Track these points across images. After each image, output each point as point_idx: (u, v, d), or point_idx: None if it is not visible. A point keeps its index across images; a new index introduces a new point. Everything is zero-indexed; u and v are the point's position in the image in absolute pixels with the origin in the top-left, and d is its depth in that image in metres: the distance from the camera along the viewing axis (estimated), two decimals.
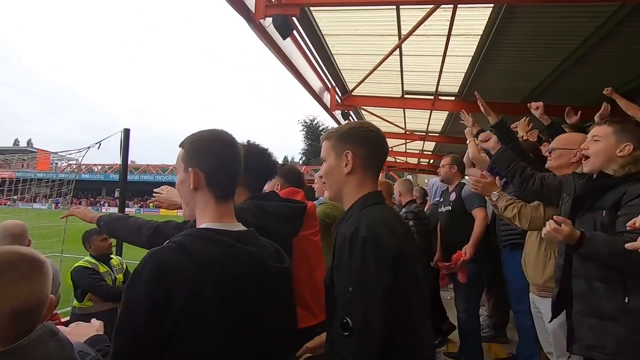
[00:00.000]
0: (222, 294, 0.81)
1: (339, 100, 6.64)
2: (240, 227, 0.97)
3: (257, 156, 1.51)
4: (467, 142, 3.21)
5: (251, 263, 0.89)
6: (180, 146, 1.00)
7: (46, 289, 0.78)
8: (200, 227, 0.93)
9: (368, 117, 8.23)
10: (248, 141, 1.56)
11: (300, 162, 53.32)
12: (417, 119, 7.97)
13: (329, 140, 1.16)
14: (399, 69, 5.30)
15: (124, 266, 3.06)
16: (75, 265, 2.81)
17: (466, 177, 3.04)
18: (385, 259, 0.93)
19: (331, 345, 1.00)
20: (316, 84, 5.75)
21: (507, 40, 3.95)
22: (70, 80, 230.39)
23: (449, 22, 3.66)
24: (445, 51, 4.28)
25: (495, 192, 2.13)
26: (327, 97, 6.39)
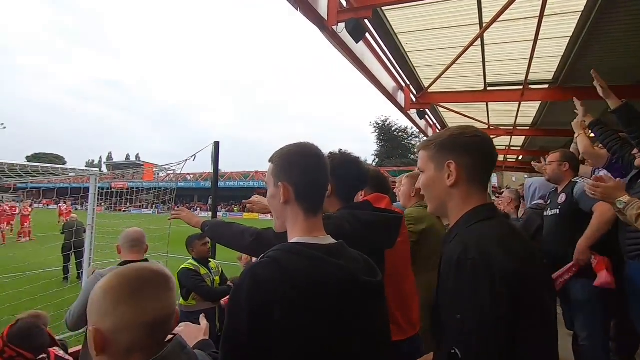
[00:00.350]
0: (313, 308, 0.80)
1: (414, 99, 6.40)
2: (330, 240, 0.96)
3: (350, 165, 1.46)
4: (576, 135, 2.79)
5: (342, 277, 0.86)
6: (269, 161, 1.02)
7: (174, 302, 0.86)
8: (291, 241, 0.94)
9: (446, 115, 7.79)
10: (340, 150, 1.51)
11: (374, 164, 52.76)
12: (502, 112, 7.28)
13: (427, 149, 1.05)
14: (481, 60, 4.91)
15: (220, 269, 3.32)
16: (182, 267, 3.09)
17: (579, 177, 2.62)
18: (500, 284, 0.80)
19: None
20: (389, 84, 5.63)
21: (616, 12, 3.39)
22: (168, 100, 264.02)
23: (540, 2, 3.27)
24: (536, 35, 3.83)
25: (621, 199, 1.68)
26: (401, 97, 6.21)
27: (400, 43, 4.66)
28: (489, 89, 5.88)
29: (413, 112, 6.75)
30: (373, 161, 53.60)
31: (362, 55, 4.49)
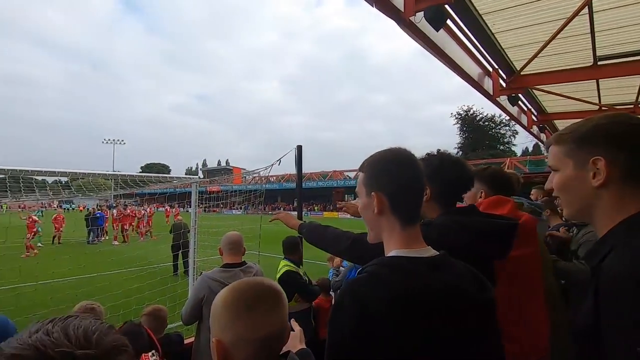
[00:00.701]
0: (417, 325, 0.75)
1: (504, 84, 5.80)
2: (431, 252, 0.89)
3: (451, 167, 1.33)
4: None
5: (447, 292, 0.80)
6: (360, 170, 0.98)
7: (286, 317, 0.88)
8: (390, 254, 0.89)
9: (544, 98, 6.90)
10: (438, 150, 1.40)
11: None
12: (619, 89, 6.16)
13: (561, 144, 0.88)
14: (588, 31, 4.21)
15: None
16: (284, 269, 3.16)
17: None
18: None
19: None
20: (475, 71, 5.19)
21: None
22: (251, 108, 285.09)
23: None
24: None
25: None
26: (488, 83, 5.68)
27: (485, 24, 4.26)
28: (599, 63, 5.02)
29: (503, 99, 6.12)
30: (456, 154, 50.29)
31: (443, 43, 4.22)
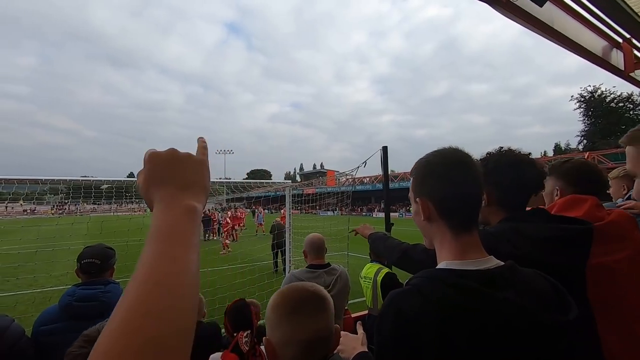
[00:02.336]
0: (457, 348, 0.66)
1: None
2: (493, 263, 0.78)
3: (509, 168, 1.19)
4: None
5: (507, 313, 0.68)
6: (410, 174, 0.92)
7: (330, 323, 0.89)
8: (439, 266, 0.81)
9: None
10: (500, 148, 1.26)
11: (581, 147, 41.99)
12: None
13: (637, 144, 0.79)
14: None
15: None
16: (385, 271, 3.12)
17: None
18: None
19: None
20: (597, 45, 4.37)
21: None
22: (341, 112, 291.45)
23: None
24: None
25: None
26: (617, 57, 4.70)
27: None
28: None
29: (639, 74, 4.99)
30: (579, 144, 42.75)
31: (551, 19, 3.67)
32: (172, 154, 0.50)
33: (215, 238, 17.99)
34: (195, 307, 0.39)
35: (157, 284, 0.37)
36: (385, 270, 3.09)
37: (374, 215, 42.50)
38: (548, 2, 3.37)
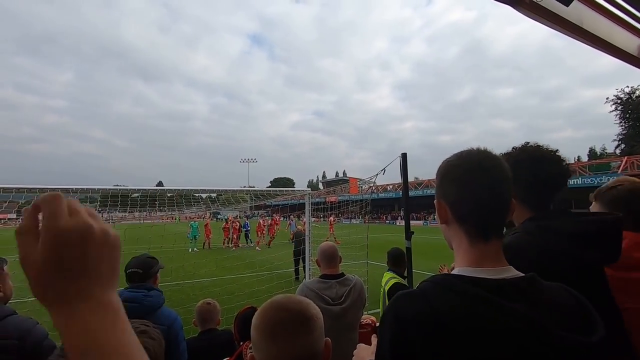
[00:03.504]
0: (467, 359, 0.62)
1: None
2: (510, 274, 0.73)
3: (529, 164, 1.13)
4: None
5: (518, 328, 0.62)
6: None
7: (316, 343, 0.84)
8: (454, 271, 0.78)
9: None
10: (525, 144, 1.20)
11: (618, 151, 39.81)
12: None
13: None
14: None
15: None
16: (393, 282, 3.10)
17: None
18: None
19: None
20: (632, 44, 4.13)
21: None
22: (363, 119, 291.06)
23: None
24: None
25: None
26: None
27: None
28: None
29: None
30: (616, 148, 40.50)
31: (580, 19, 3.51)
32: (86, 232, 0.37)
33: (241, 245, 18.35)
34: None
35: None
36: (395, 279, 3.06)
37: (397, 223, 41.78)
38: (575, 1, 3.23)
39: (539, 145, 1.18)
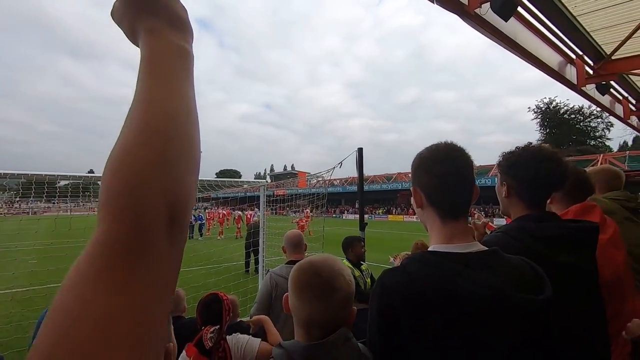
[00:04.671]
0: (442, 320, 0.74)
1: (591, 72, 5.17)
2: (476, 248, 0.85)
3: (528, 163, 1.20)
4: None
5: (479, 292, 0.75)
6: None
7: (339, 312, 0.87)
8: (429, 249, 0.89)
9: None
10: (528, 144, 1.29)
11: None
12: None
13: None
14: None
15: (370, 272, 3.40)
16: None
17: None
18: None
19: None
20: (554, 60, 4.73)
21: None
22: (313, 114, 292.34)
23: None
24: None
25: None
26: (571, 72, 5.12)
27: (565, 7, 3.87)
28: None
29: (590, 88, 5.46)
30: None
31: (515, 33, 3.94)
32: None
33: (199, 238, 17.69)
34: (198, 139, 0.37)
35: (162, 111, 0.33)
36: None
37: (344, 217, 42.91)
38: (512, 18, 3.63)
39: (541, 145, 1.27)
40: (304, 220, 16.27)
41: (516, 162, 1.22)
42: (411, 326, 0.75)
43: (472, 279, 0.76)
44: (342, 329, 0.86)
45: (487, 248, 0.86)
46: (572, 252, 1.09)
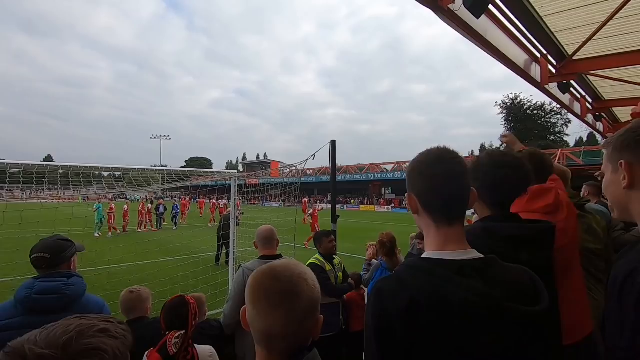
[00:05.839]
0: (434, 326, 0.75)
1: (554, 71, 5.41)
2: (471, 255, 0.86)
3: (488, 170, 1.24)
4: None
5: (472, 300, 0.75)
6: None
7: (300, 321, 0.77)
8: (423, 255, 0.89)
9: (600, 84, 6.36)
10: (490, 150, 1.34)
11: (502, 148, 46.88)
12: None
13: (606, 149, 0.95)
14: None
15: (342, 266, 3.42)
16: (309, 261, 3.22)
17: None
18: None
19: None
20: (520, 58, 4.89)
21: None
22: (287, 103, 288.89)
23: None
24: None
25: None
26: (536, 70, 5.33)
27: (532, 7, 4.00)
28: None
29: (553, 86, 5.72)
30: (500, 146, 47.64)
31: (485, 30, 4.02)
32: None
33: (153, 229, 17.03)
34: None
35: None
36: (312, 260, 3.20)
37: (318, 208, 43.03)
38: (484, 15, 3.70)
39: (505, 152, 1.31)
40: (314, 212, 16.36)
41: (476, 167, 1.25)
42: (404, 331, 0.76)
43: (464, 286, 0.76)
44: (310, 355, 0.79)
45: (483, 256, 0.86)
46: (530, 250, 1.14)
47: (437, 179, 0.87)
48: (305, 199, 18.38)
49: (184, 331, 1.64)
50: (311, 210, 17.14)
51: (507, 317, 0.76)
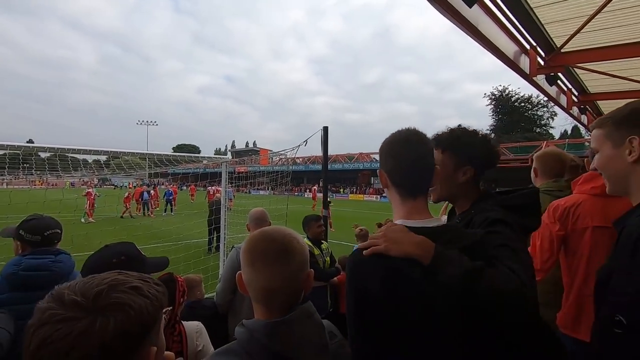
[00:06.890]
0: (405, 285, 0.87)
1: (542, 63, 5.49)
2: (436, 223, 0.98)
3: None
4: None
5: None
6: None
7: (294, 275, 0.88)
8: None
9: (586, 77, 6.49)
10: (447, 128, 1.41)
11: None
12: None
13: (602, 128, 1.03)
14: None
15: (330, 251, 3.50)
16: None
17: None
18: None
19: (599, 342, 0.94)
20: (510, 49, 4.94)
21: None
22: (276, 90, 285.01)
23: None
24: None
25: None
26: (524, 62, 5.39)
27: None
28: None
29: (540, 78, 5.81)
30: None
31: (477, 20, 4.05)
32: None
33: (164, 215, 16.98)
34: None
35: None
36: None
37: (305, 196, 43.17)
38: (476, 5, 3.72)
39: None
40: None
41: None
42: (378, 292, 0.87)
43: None
44: (305, 305, 0.87)
45: (444, 224, 0.97)
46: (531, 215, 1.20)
47: (404, 159, 0.98)
48: (314, 187, 18.60)
49: (170, 307, 1.66)
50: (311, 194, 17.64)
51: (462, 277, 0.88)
